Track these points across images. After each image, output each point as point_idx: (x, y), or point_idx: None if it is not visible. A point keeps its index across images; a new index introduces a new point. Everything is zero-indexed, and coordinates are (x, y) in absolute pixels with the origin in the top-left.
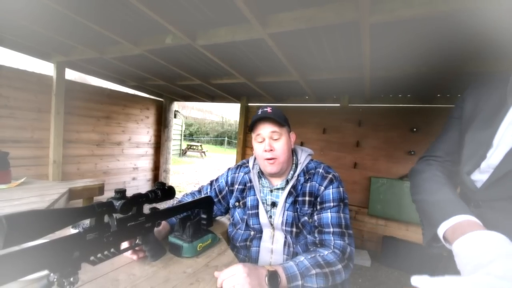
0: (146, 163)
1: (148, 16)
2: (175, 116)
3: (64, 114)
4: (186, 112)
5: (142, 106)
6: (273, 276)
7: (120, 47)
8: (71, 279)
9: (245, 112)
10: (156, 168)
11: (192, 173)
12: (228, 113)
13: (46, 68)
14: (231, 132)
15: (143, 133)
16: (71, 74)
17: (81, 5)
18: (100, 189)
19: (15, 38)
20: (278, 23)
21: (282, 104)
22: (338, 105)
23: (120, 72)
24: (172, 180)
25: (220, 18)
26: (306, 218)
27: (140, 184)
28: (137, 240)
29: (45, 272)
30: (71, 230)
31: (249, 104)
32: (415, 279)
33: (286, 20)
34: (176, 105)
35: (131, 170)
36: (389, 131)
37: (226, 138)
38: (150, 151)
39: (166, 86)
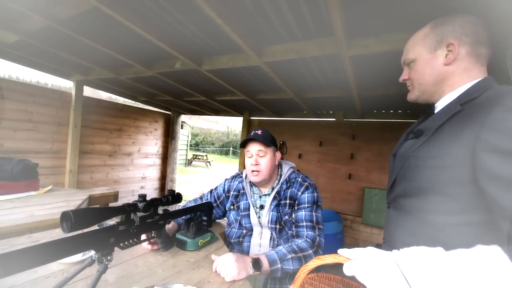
0: (153, 173)
1: (160, 46)
2: (181, 127)
3: (80, 127)
4: (192, 122)
5: (151, 119)
6: (256, 262)
7: (134, 69)
8: (108, 257)
9: (247, 125)
10: (163, 178)
11: (197, 183)
12: (233, 124)
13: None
14: (236, 142)
15: (151, 144)
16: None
17: (101, 35)
18: (115, 196)
19: (42, 61)
20: (272, 54)
21: (281, 118)
22: (334, 119)
23: (132, 89)
24: (177, 189)
25: (222, 48)
26: (287, 217)
27: (148, 192)
28: (153, 233)
29: (90, 253)
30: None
31: (251, 118)
32: (340, 250)
33: (278, 52)
34: (183, 116)
35: (140, 179)
36: (381, 144)
37: (231, 148)
38: (157, 161)
39: (174, 101)
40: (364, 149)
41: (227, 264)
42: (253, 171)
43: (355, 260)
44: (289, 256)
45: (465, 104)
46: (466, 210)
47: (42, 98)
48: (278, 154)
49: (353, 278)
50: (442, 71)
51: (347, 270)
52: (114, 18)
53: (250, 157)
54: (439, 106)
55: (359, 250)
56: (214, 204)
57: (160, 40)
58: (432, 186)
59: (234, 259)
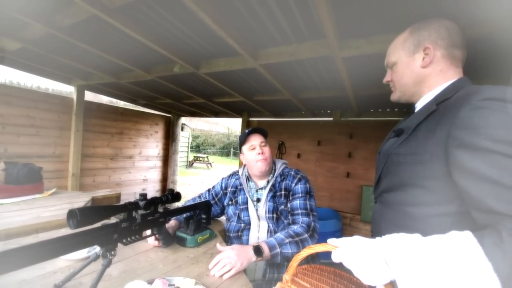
0: (155, 175)
1: (158, 51)
2: (182, 129)
3: (82, 131)
4: (193, 124)
5: (151, 122)
6: (257, 248)
7: (134, 73)
8: (112, 252)
9: (247, 126)
10: (164, 180)
11: (199, 184)
12: (233, 125)
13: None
14: (237, 143)
15: (152, 146)
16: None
17: (101, 41)
18: (117, 198)
19: (43, 67)
20: (267, 56)
21: (280, 118)
22: (331, 119)
23: (133, 93)
24: (179, 191)
25: (219, 52)
26: (282, 206)
27: (150, 194)
28: (154, 230)
29: (95, 250)
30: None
31: (250, 119)
32: (329, 240)
33: (273, 54)
34: (184, 118)
35: (141, 182)
36: (378, 142)
37: (232, 149)
38: (158, 163)
39: (174, 104)
40: (362, 148)
41: (229, 259)
42: (261, 159)
43: (342, 247)
44: (287, 240)
45: (440, 104)
46: (442, 201)
47: (44, 103)
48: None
49: (342, 266)
50: (420, 73)
51: (335, 257)
52: (113, 25)
53: (253, 149)
54: (418, 106)
55: (346, 239)
56: (212, 202)
57: (159, 45)
58: (412, 180)
59: (235, 253)
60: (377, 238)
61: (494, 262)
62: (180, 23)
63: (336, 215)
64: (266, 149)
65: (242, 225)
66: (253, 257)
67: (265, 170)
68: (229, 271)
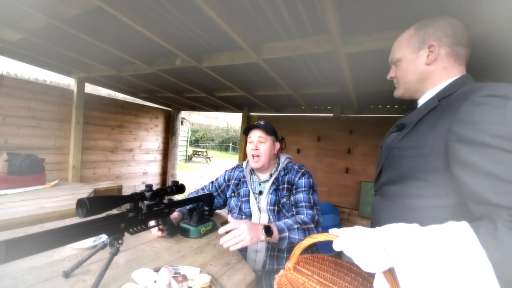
0: (155, 169)
1: (161, 44)
2: (181, 123)
3: (82, 123)
4: (192, 118)
5: (152, 115)
6: (267, 228)
7: (135, 66)
8: (119, 241)
9: (247, 122)
10: (164, 173)
11: (198, 178)
12: (233, 120)
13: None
14: (236, 138)
15: (152, 140)
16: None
17: (103, 33)
18: (119, 190)
19: (44, 58)
20: (270, 51)
21: (280, 114)
22: (332, 115)
23: (133, 86)
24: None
25: (222, 46)
26: (284, 199)
27: None
28: (159, 221)
29: (101, 239)
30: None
31: (251, 114)
32: (330, 230)
33: (276, 49)
34: (183, 112)
35: (141, 175)
36: (378, 139)
37: (230, 144)
38: (158, 157)
39: (174, 97)
40: (361, 144)
41: (241, 232)
42: (253, 156)
43: (342, 236)
44: (295, 226)
45: (442, 100)
46: (441, 194)
47: (44, 95)
48: (277, 145)
49: (342, 255)
50: (424, 70)
51: (336, 246)
52: (116, 16)
53: (251, 142)
54: (421, 102)
55: (346, 228)
56: (215, 194)
57: (161, 38)
58: (412, 173)
59: (248, 227)
60: (377, 228)
61: (488, 250)
62: (184, 16)
63: (335, 210)
64: (263, 146)
65: (243, 216)
66: (262, 235)
67: (255, 166)
68: (237, 243)
